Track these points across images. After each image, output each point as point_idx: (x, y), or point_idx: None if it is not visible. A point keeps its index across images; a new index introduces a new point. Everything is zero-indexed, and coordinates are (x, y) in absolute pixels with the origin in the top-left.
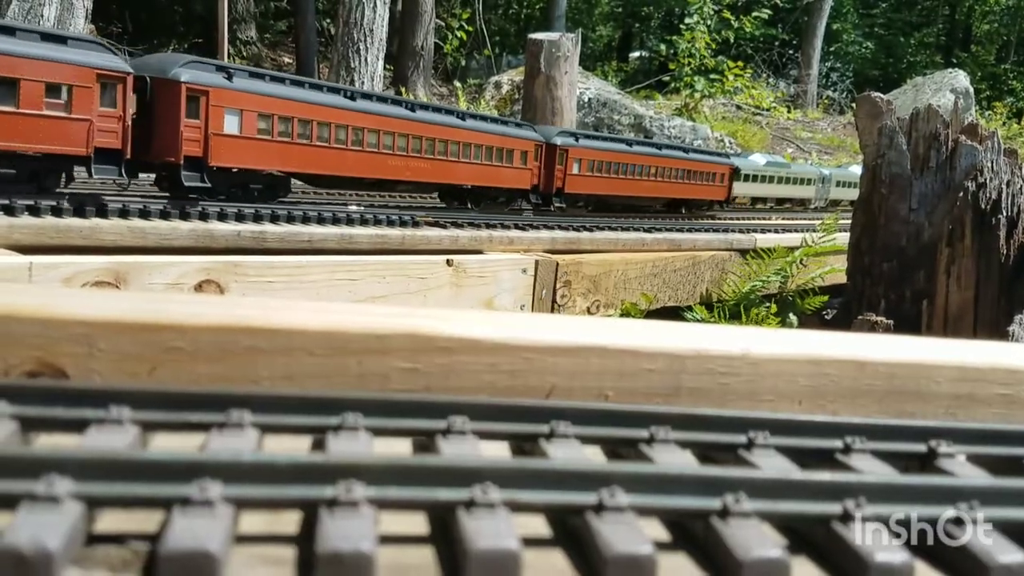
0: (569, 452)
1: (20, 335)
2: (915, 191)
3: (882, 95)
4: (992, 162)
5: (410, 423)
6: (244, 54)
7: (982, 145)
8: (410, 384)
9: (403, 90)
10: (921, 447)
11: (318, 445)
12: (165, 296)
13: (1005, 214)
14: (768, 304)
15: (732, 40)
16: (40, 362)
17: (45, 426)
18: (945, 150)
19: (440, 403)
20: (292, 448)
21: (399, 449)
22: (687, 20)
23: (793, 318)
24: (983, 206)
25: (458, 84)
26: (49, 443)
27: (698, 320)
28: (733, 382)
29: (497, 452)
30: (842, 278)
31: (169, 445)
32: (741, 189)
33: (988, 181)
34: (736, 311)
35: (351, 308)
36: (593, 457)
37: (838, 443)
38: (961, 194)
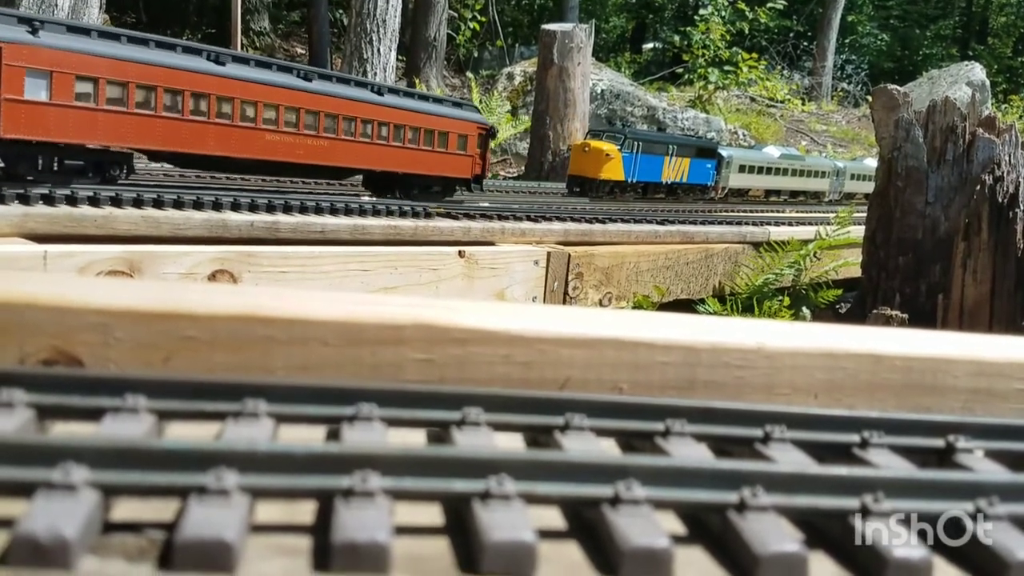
0: (584, 444)
1: (37, 323)
2: (931, 184)
3: (899, 87)
4: (1009, 155)
5: (425, 414)
6: (257, 44)
7: (999, 138)
8: (424, 375)
9: (416, 81)
10: (939, 442)
11: (333, 435)
12: (181, 285)
13: (1022, 208)
14: (781, 297)
15: (746, 31)
16: (56, 350)
17: (61, 414)
18: (962, 143)
19: (455, 394)
20: (307, 438)
21: (414, 440)
22: (701, 11)
23: (806, 311)
24: (1000, 200)
25: (471, 75)
26: (65, 431)
27: (711, 313)
28: (749, 375)
29: (512, 443)
30: (856, 271)
31: (185, 434)
32: (755, 181)
33: (1005, 175)
34: (749, 304)
35: (366, 299)
36: (608, 450)
37: (855, 437)
38: (978, 187)
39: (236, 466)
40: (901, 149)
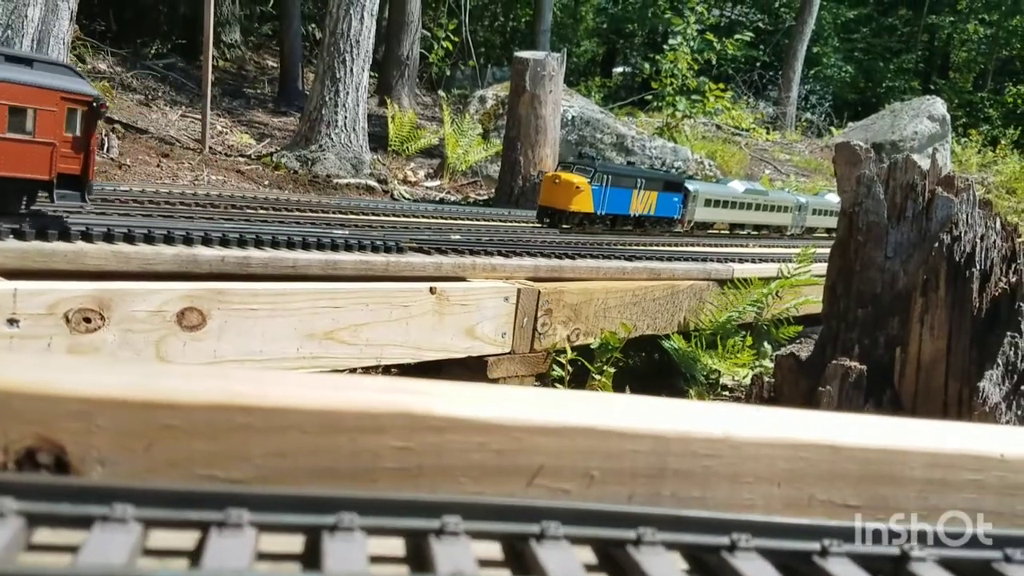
0: (560, 555)
1: (20, 410)
2: (891, 240)
3: (861, 143)
4: (967, 215)
5: (404, 523)
6: (228, 56)
7: (958, 197)
8: (402, 462)
9: (388, 100)
10: (895, 550)
11: (313, 544)
12: (161, 369)
13: (978, 267)
14: (744, 334)
15: (714, 61)
16: (39, 438)
17: (51, 522)
18: (922, 201)
19: (434, 503)
20: (289, 544)
21: (393, 546)
22: (671, 41)
23: (767, 347)
24: (957, 258)
25: (443, 94)
26: (53, 537)
27: (675, 349)
28: (715, 464)
29: (489, 551)
30: (816, 308)
31: (170, 541)
32: (720, 215)
33: (963, 234)
34: (713, 341)
35: (345, 382)
36: (583, 554)
37: (816, 545)
38: (936, 245)
39: None
40: (862, 204)
